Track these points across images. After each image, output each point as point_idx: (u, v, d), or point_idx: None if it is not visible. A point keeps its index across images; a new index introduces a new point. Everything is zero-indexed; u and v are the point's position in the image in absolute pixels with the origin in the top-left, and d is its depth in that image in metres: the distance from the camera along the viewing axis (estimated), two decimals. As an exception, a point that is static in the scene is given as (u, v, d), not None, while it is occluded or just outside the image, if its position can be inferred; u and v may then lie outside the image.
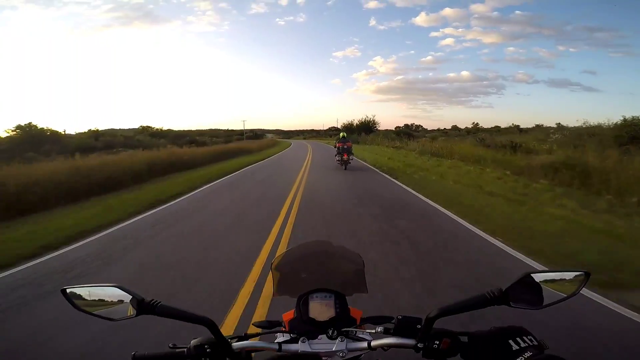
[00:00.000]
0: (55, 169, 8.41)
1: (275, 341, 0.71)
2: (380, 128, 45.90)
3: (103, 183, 8.68)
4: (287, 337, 0.73)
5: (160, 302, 0.66)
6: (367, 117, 45.30)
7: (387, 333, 0.69)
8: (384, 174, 10.38)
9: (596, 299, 2.62)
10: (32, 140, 23.01)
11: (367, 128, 42.64)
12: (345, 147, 12.01)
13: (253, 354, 0.72)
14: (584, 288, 0.64)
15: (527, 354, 0.55)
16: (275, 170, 12.95)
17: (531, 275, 0.63)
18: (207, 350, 0.65)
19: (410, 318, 0.69)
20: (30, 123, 26.35)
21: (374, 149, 24.07)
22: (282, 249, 3.74)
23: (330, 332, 0.69)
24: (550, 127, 37.85)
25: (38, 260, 3.76)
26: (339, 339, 0.69)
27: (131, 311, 0.66)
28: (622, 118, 14.63)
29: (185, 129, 76.54)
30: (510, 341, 0.59)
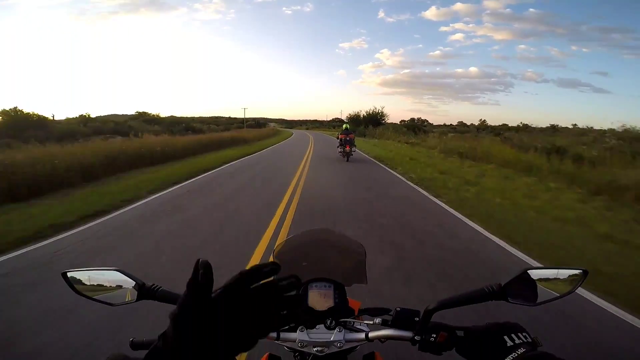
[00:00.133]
0: None
1: None
2: (388, 121, 42.55)
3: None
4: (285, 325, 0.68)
5: (161, 287, 0.67)
6: (376, 108, 41.88)
7: (385, 325, 0.70)
8: (419, 188, 7.10)
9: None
10: (16, 126, 21.48)
11: (375, 120, 39.30)
12: (347, 138, 11.94)
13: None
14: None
15: (520, 350, 0.55)
16: (263, 169, 10.12)
17: (529, 271, 0.64)
18: None
19: (408, 310, 0.69)
20: (15, 108, 24.63)
21: (385, 144, 21.07)
22: None
23: (329, 322, 0.70)
24: (579, 128, 34.89)
25: None
26: (336, 329, 0.69)
27: (131, 296, 0.66)
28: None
29: (189, 116, 76.11)
30: (505, 337, 0.59)
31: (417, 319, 0.68)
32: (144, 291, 0.66)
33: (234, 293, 0.36)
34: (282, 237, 3.91)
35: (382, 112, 40.91)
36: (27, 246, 3.66)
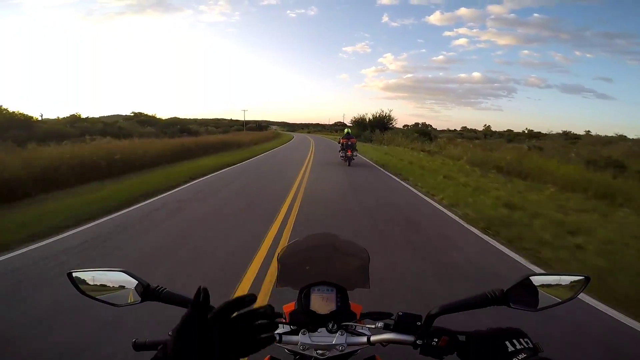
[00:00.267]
0: None
1: (276, 332, 0.70)
2: (395, 125, 39.43)
3: None
4: (287, 328, 0.74)
5: (165, 288, 0.67)
6: (382, 111, 38.73)
7: (386, 329, 0.70)
8: (503, 248, 4.04)
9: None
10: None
11: (381, 124, 36.29)
12: (349, 143, 11.83)
13: None
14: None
15: (522, 356, 0.55)
16: (240, 192, 7.29)
17: (531, 277, 0.64)
18: None
19: (410, 315, 0.69)
20: (0, 106, 23.91)
21: (398, 152, 18.13)
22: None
23: (330, 325, 0.70)
24: (600, 136, 31.95)
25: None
26: (338, 332, 0.70)
27: (136, 297, 0.66)
28: None
29: (192, 118, 75.52)
30: (507, 342, 0.58)
31: (419, 323, 0.67)
32: (148, 292, 0.65)
33: (221, 317, 0.43)
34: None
35: (389, 116, 37.93)
36: None
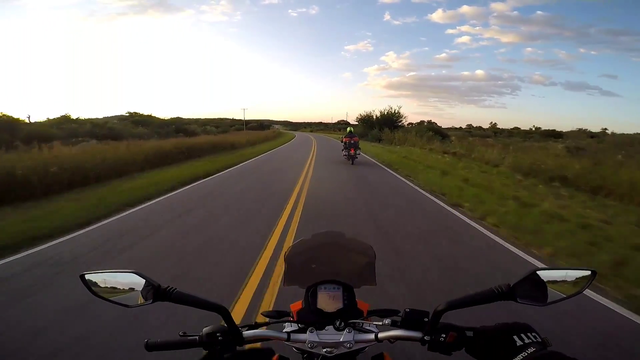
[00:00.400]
0: None
1: (284, 330, 0.73)
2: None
3: None
4: (295, 327, 0.74)
5: (176, 289, 0.66)
6: (391, 108, 35.39)
7: (394, 325, 0.70)
8: None
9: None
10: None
11: (390, 122, 33.21)
12: (352, 142, 11.75)
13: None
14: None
15: (530, 350, 0.55)
16: (195, 227, 4.55)
17: (538, 272, 0.63)
18: (219, 337, 0.66)
19: (417, 311, 0.68)
20: None
21: (418, 155, 15.22)
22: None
23: (338, 323, 0.70)
24: (620, 135, 28.88)
25: None
26: (346, 330, 0.70)
27: (147, 298, 0.65)
28: None
29: (194, 118, 74.33)
30: (515, 337, 0.58)
31: (426, 319, 0.67)
32: (159, 293, 0.65)
33: None
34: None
35: (398, 113, 34.82)
36: None
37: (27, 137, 17.20)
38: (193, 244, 3.87)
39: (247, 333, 0.69)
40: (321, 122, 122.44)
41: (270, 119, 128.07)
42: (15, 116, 23.32)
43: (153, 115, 44.40)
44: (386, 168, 11.53)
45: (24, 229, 4.24)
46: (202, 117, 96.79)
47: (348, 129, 12.99)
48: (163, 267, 3.24)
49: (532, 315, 2.28)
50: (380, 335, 0.68)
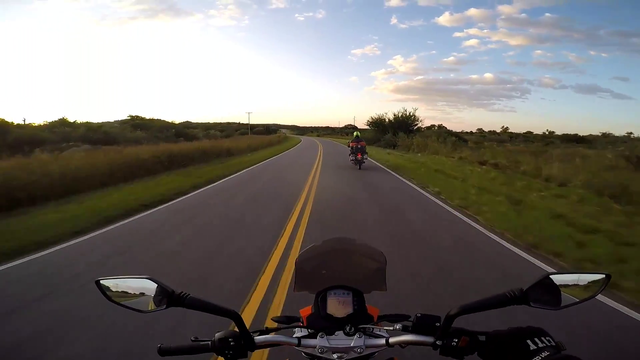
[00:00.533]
0: None
1: (294, 336, 0.72)
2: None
3: None
4: (305, 332, 0.74)
5: (189, 294, 0.66)
6: (405, 110, 32.23)
7: (405, 330, 0.69)
8: None
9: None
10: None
11: (405, 126, 30.16)
12: (359, 146, 11.92)
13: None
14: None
15: (544, 354, 0.54)
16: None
17: (551, 276, 0.62)
18: (231, 343, 0.65)
19: (428, 316, 0.68)
20: None
21: (450, 168, 12.39)
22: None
23: (348, 328, 0.70)
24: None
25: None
26: (357, 335, 0.69)
27: (161, 303, 0.65)
28: None
29: (201, 122, 74.47)
30: (528, 341, 0.57)
31: (437, 324, 0.66)
32: (173, 298, 0.65)
33: None
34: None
35: (414, 116, 31.80)
36: None
37: (16, 142, 16.81)
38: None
39: (258, 338, 0.68)
40: (328, 127, 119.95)
41: (277, 123, 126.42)
42: (9, 120, 23.53)
43: (155, 118, 42.99)
44: (422, 191, 8.47)
45: None
46: (211, 121, 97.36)
47: (355, 133, 13.33)
48: None
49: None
50: (392, 340, 0.67)
